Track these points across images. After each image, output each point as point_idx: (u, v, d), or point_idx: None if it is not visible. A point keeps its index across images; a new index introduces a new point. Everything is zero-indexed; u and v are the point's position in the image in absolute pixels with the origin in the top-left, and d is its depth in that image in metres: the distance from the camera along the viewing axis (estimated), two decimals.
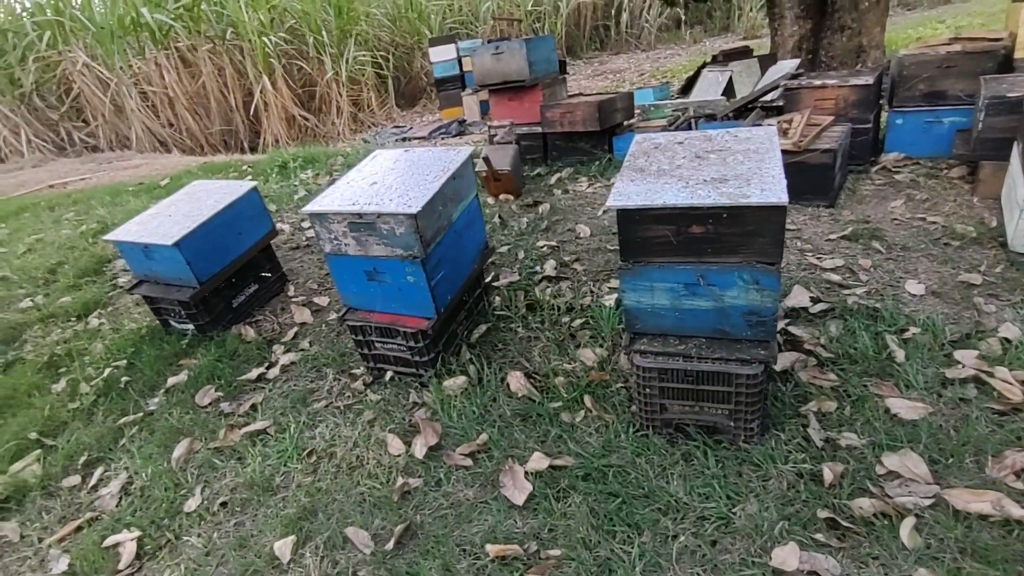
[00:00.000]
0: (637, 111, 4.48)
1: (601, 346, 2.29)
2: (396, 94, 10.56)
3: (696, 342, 1.78)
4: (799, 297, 2.33)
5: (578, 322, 2.44)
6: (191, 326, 2.83)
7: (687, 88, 7.73)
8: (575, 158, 4.13)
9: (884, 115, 3.55)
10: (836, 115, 3.17)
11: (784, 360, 2.02)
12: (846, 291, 2.35)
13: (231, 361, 2.67)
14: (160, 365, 2.73)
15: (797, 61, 6.54)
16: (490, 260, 2.86)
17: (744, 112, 3.71)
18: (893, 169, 3.21)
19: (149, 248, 2.72)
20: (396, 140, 7.65)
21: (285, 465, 2.06)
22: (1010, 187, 2.48)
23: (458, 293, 2.32)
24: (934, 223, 2.66)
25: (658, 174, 1.80)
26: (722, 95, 7.08)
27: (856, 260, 2.52)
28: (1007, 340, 1.95)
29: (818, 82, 3.21)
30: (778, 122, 3.12)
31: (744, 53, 7.67)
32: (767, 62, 7.07)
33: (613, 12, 13.22)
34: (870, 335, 2.07)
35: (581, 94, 4.58)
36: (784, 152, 2.87)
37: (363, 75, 9.65)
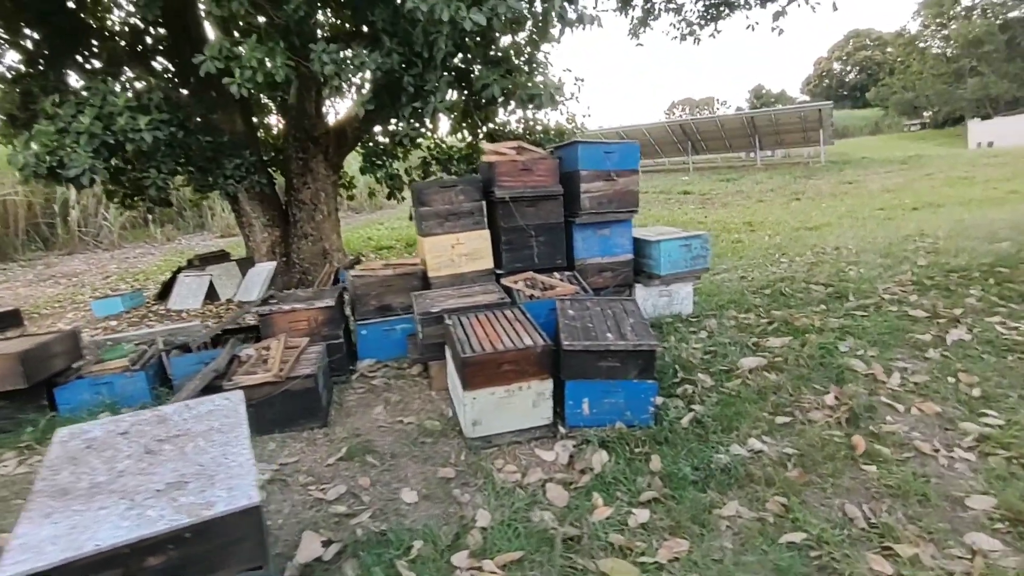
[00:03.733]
0: (86, 350, 3.71)
1: None
2: None
3: None
4: (311, 546, 2.17)
5: None
6: None
7: (164, 294, 7.16)
8: None
9: (353, 327, 4.00)
10: (310, 335, 3.36)
11: None
12: (354, 520, 2.33)
13: None
14: None
15: (274, 264, 6.96)
16: None
17: (222, 337, 3.54)
18: (369, 375, 3.59)
19: None
20: None
21: None
22: (453, 383, 3.08)
23: None
24: (410, 423, 3.03)
25: (90, 494, 1.37)
26: (204, 299, 6.82)
27: (356, 481, 2.58)
28: (484, 528, 2.27)
29: (287, 307, 3.36)
30: (257, 351, 3.07)
31: (222, 257, 7.71)
32: (246, 264, 7.28)
33: (57, 209, 11.40)
34: (383, 567, 2.07)
35: None
36: (269, 384, 2.81)
37: None
